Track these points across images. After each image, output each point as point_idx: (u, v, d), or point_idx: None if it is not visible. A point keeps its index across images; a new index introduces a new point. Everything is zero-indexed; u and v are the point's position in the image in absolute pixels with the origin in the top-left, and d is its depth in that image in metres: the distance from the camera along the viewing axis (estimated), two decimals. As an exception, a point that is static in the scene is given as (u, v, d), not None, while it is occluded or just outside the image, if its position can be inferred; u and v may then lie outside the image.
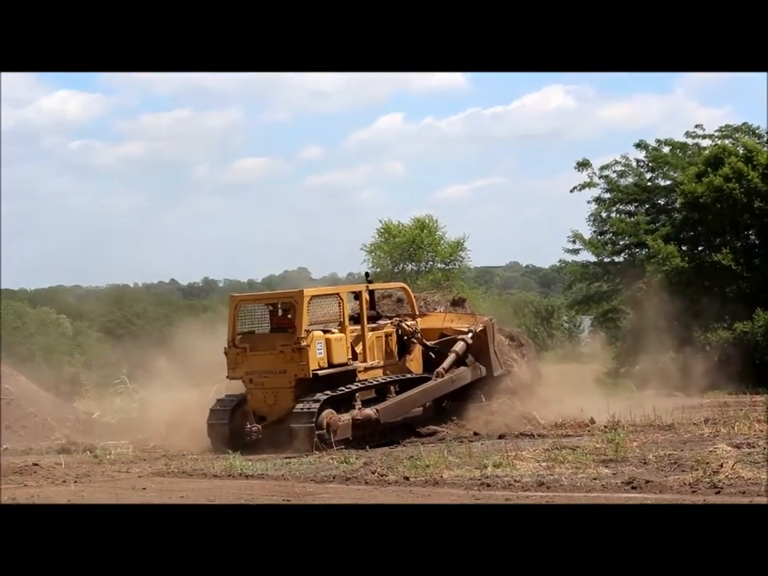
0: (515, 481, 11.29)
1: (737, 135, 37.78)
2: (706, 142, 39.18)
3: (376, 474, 12.45)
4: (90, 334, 56.60)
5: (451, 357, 18.63)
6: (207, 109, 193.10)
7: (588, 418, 17.99)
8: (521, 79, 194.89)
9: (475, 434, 17.00)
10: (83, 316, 61.18)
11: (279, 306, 17.43)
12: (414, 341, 18.80)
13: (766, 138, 37.61)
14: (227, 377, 17.67)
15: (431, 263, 46.01)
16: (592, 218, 40.29)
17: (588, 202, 40.18)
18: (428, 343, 18.89)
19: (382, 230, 45.97)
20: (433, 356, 18.84)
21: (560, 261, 41.85)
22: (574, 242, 40.13)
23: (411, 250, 45.43)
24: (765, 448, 12.51)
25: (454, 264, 46.37)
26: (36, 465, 15.17)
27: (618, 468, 11.78)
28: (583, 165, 40.00)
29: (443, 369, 18.39)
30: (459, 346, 18.80)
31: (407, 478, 12.01)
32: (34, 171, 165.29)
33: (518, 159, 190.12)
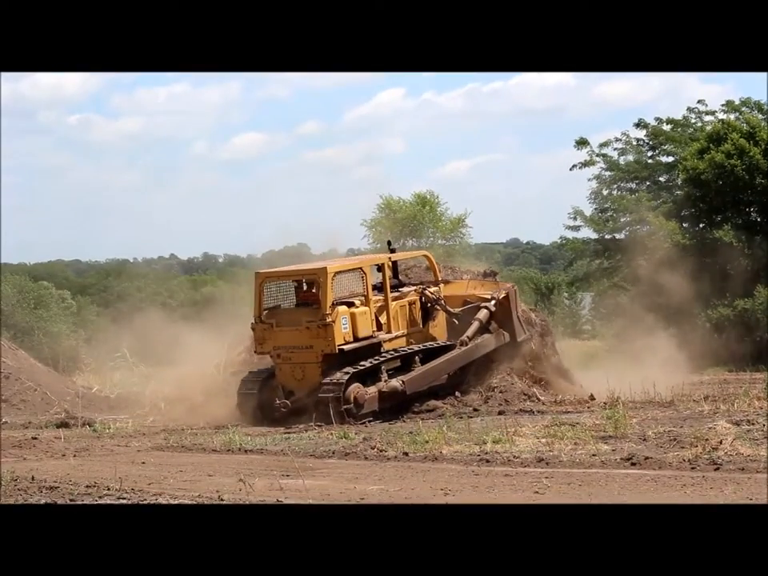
0: (514, 457, 11.29)
1: (744, 109, 37.54)
2: (708, 118, 39.05)
3: (375, 450, 12.46)
4: (90, 308, 56.60)
5: (475, 324, 18.76)
6: (204, 84, 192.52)
7: (588, 395, 18.02)
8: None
9: (475, 410, 17.00)
10: (83, 291, 61.20)
11: (303, 280, 17.55)
12: (438, 307, 18.89)
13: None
14: (255, 351, 17.89)
15: (432, 239, 45.88)
16: (593, 196, 40.22)
17: (588, 179, 40.11)
18: (451, 310, 18.97)
19: (383, 206, 45.85)
20: (456, 322, 18.92)
21: (561, 238, 41.78)
22: (574, 218, 40.05)
23: (412, 226, 45.30)
24: (764, 425, 12.50)
25: (455, 240, 46.26)
26: (35, 438, 15.21)
27: (618, 444, 11.78)
28: (581, 143, 39.78)
29: (467, 337, 18.50)
30: (482, 314, 18.93)
31: (406, 454, 12.02)
32: (32, 145, 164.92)
33: (518, 135, 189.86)
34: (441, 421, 15.09)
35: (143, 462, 12.62)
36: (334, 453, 12.58)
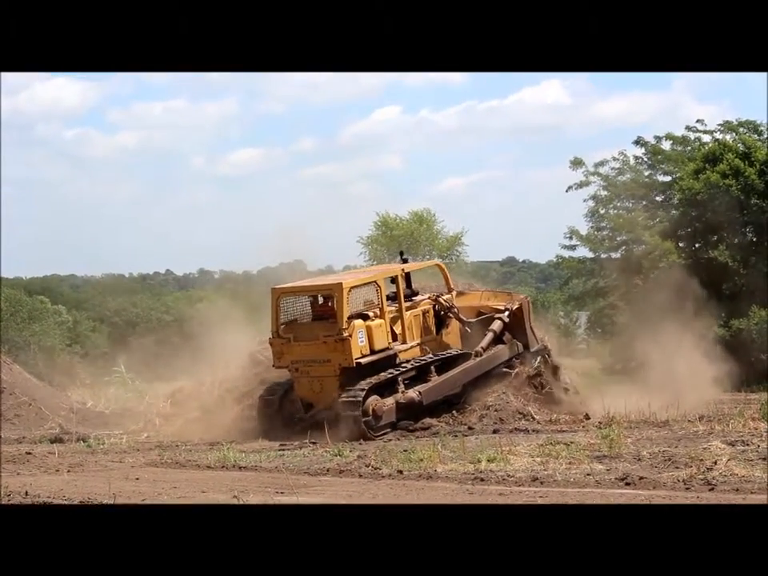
0: (509, 475, 11.27)
1: (741, 130, 37.53)
2: (706, 138, 39.02)
3: (370, 468, 12.43)
4: (86, 323, 56.55)
5: (489, 335, 19.05)
6: (202, 99, 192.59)
7: (583, 414, 18.01)
8: (517, 73, 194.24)
9: (469, 428, 16.98)
10: (79, 306, 61.10)
11: (319, 294, 17.74)
12: (451, 315, 19.10)
13: (766, 135, 37.44)
14: (273, 366, 17.93)
15: (428, 257, 45.91)
16: (589, 215, 40.19)
17: (584, 200, 40.01)
18: (464, 318, 19.22)
19: (380, 223, 45.90)
20: (468, 330, 19.16)
21: (557, 256, 41.79)
22: (570, 237, 40.04)
23: (408, 244, 45.33)
24: (759, 446, 12.50)
25: (451, 258, 46.28)
26: (29, 453, 15.15)
27: (612, 464, 11.77)
28: (577, 163, 39.68)
29: (482, 348, 18.74)
30: (496, 325, 19.26)
31: (401, 472, 12.00)
32: (28, 159, 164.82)
33: (515, 153, 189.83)
34: (435, 439, 15.08)
35: (137, 478, 12.59)
36: (328, 470, 12.56)
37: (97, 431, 18.96)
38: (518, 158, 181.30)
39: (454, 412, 17.96)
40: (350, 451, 14.12)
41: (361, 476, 12.06)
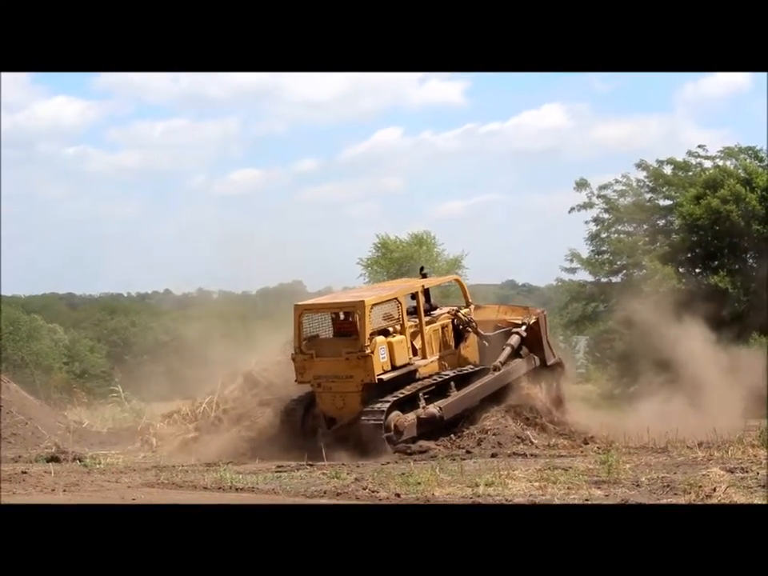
0: (507, 500, 11.22)
1: (741, 156, 37.50)
2: (708, 163, 39.01)
3: (367, 491, 12.37)
4: (83, 342, 56.54)
5: (507, 350, 19.30)
6: (202, 118, 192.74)
7: (581, 439, 17.94)
8: (518, 97, 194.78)
9: (467, 452, 16.93)
10: (77, 325, 61.12)
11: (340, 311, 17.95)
12: (470, 329, 19.28)
13: (767, 162, 37.44)
14: (296, 381, 18.09)
15: (428, 280, 45.74)
16: (590, 238, 40.13)
17: (586, 222, 39.98)
18: (482, 332, 19.46)
19: (380, 245, 45.88)
20: (486, 344, 19.39)
21: (557, 279, 41.73)
22: (571, 260, 39.99)
23: (409, 266, 45.27)
24: (758, 473, 12.44)
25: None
26: (25, 473, 15.07)
27: (611, 490, 11.71)
28: (581, 185, 39.68)
29: (500, 362, 18.94)
30: (514, 339, 19.51)
31: (398, 495, 11.94)
32: (28, 177, 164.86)
33: (515, 176, 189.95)
34: (433, 462, 15.02)
35: (133, 499, 12.52)
36: (325, 493, 12.49)
37: (93, 451, 18.90)
38: (518, 181, 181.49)
39: (452, 435, 17.93)
40: (348, 473, 14.06)
41: (358, 498, 11.99)
